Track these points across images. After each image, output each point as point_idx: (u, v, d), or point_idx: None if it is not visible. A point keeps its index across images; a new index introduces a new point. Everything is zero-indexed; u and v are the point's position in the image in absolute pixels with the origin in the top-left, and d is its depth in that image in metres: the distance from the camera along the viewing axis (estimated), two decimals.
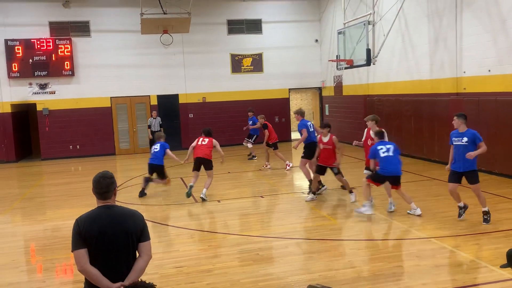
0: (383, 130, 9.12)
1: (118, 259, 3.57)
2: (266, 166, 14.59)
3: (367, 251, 6.92)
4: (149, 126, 18.01)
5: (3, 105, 18.59)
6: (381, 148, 8.49)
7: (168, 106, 20.16)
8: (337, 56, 16.16)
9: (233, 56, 20.67)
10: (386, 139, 8.89)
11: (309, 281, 5.88)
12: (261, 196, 10.99)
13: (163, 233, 8.28)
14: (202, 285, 5.95)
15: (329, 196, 10.77)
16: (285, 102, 21.39)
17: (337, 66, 16.64)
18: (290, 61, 21.14)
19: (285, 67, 21.08)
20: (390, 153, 8.46)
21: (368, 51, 13.89)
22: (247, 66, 20.86)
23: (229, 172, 14.17)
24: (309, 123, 11.50)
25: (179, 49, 19.88)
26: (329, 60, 18.98)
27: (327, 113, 21.59)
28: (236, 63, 20.74)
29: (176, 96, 20.28)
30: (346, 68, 16.20)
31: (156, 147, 11.67)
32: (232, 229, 8.42)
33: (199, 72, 20.29)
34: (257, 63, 20.92)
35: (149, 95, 20.01)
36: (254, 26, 20.80)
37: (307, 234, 8.04)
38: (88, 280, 3.56)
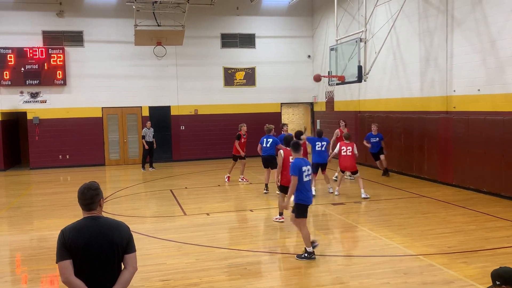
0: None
1: (103, 271, 3.54)
2: (242, 179, 14.65)
3: (355, 267, 6.91)
4: (143, 137, 17.82)
5: None
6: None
7: (159, 117, 20.13)
8: (329, 72, 16.26)
9: (226, 70, 20.75)
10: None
11: None
12: (251, 210, 10.95)
13: (150, 246, 8.21)
14: None
15: (318, 211, 10.76)
16: (277, 116, 21.46)
17: (328, 82, 16.74)
18: (283, 75, 21.27)
19: (277, 81, 21.20)
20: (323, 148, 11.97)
21: (360, 68, 14.01)
22: (239, 79, 20.94)
23: (219, 185, 14.13)
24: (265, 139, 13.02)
25: (172, 61, 19.93)
26: (321, 76, 19.11)
27: (318, 127, 21.68)
28: (229, 77, 20.82)
29: (168, 108, 20.27)
30: (337, 84, 16.30)
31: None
32: (221, 242, 8.37)
33: (192, 85, 20.33)
34: (249, 77, 21.02)
35: (141, 106, 19.99)
36: (247, 40, 20.93)
37: (296, 249, 8.00)
38: None
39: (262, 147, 12.95)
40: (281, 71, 21.23)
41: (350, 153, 12.05)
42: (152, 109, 20.08)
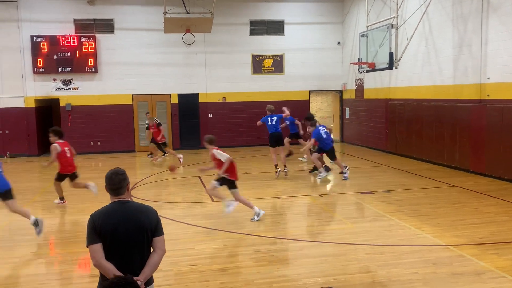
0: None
1: (133, 254, 3.61)
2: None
3: (383, 256, 6.85)
4: (148, 128, 17.52)
5: (27, 99, 18.96)
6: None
7: (188, 105, 20.29)
8: (359, 59, 16.04)
9: (254, 57, 20.69)
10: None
11: (323, 284, 5.85)
12: (278, 198, 10.97)
13: (179, 231, 8.33)
14: (216, 283, 5.97)
15: (346, 200, 10.70)
16: (306, 104, 21.32)
17: (358, 69, 16.52)
18: (312, 63, 21.08)
19: (306, 69, 21.02)
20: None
21: (391, 54, 13.77)
22: (268, 67, 20.86)
23: (246, 173, 14.18)
24: (269, 118, 13.45)
25: (201, 49, 19.99)
26: (350, 63, 18.87)
27: (347, 116, 21.46)
28: (257, 64, 20.76)
29: (196, 95, 20.40)
30: (368, 71, 16.08)
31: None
32: (248, 229, 8.42)
33: (220, 72, 20.38)
34: (278, 64, 20.91)
35: (170, 94, 20.17)
36: (276, 27, 20.79)
37: (323, 237, 8.00)
38: (103, 275, 3.61)
39: (267, 126, 13.47)
40: (310, 58, 21.03)
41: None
42: (180, 96, 20.24)
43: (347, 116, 21.50)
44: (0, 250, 7.74)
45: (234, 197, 9.11)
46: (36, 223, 8.30)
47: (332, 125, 23.03)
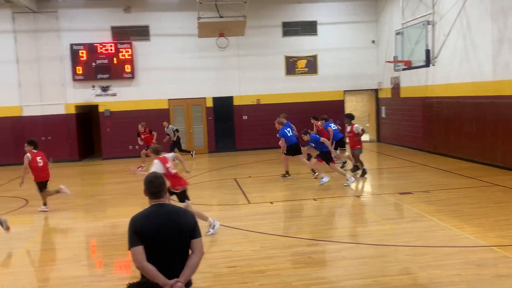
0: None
1: (172, 256, 3.66)
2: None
3: (424, 258, 6.71)
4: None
5: (68, 106, 19.56)
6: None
7: (222, 108, 20.46)
8: (394, 57, 15.80)
9: (287, 58, 20.67)
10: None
11: (364, 286, 5.79)
12: (314, 199, 10.91)
13: (217, 233, 8.40)
14: (255, 285, 5.99)
15: (384, 200, 10.53)
16: (340, 104, 21.12)
17: (394, 68, 16.27)
18: (346, 62, 20.87)
19: (340, 68, 20.83)
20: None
21: (427, 51, 13.50)
22: (301, 68, 20.79)
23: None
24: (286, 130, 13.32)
25: (234, 52, 20.12)
26: (386, 62, 18.59)
27: (383, 115, 21.13)
28: (291, 65, 20.73)
29: (230, 98, 20.54)
30: (404, 69, 15.82)
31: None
32: (285, 231, 8.42)
33: (254, 74, 20.45)
34: (311, 65, 20.81)
35: (204, 97, 20.39)
36: (309, 28, 20.70)
37: (361, 239, 7.91)
38: (145, 277, 3.66)
39: (287, 138, 13.21)
40: (344, 58, 20.83)
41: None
42: (215, 99, 20.43)
43: (383, 115, 21.17)
44: (44, 252, 8.01)
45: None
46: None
47: (368, 125, 22.73)
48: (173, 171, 8.45)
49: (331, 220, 9.30)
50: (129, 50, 19.44)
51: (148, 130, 16.93)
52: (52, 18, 19.07)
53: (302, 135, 12.62)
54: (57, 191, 11.01)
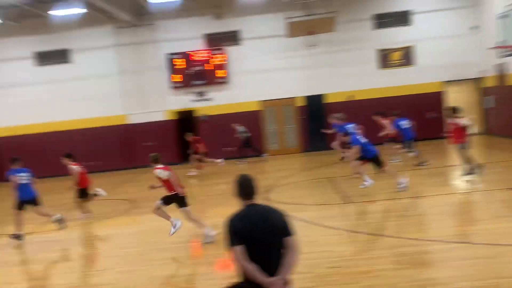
0: None
1: (270, 254, 3.74)
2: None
3: None
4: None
5: (168, 113, 20.59)
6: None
7: (314, 106, 20.31)
8: (498, 42, 14.64)
9: (380, 51, 20.01)
10: None
11: None
12: (418, 197, 10.40)
13: (315, 233, 8.32)
14: (359, 286, 5.84)
15: (494, 197, 9.78)
16: (439, 96, 20.02)
17: (499, 54, 15.08)
18: (444, 51, 19.73)
19: (437, 58, 19.74)
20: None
21: None
22: (395, 60, 20.02)
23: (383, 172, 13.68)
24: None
25: (324, 49, 19.89)
26: (489, 48, 17.28)
27: (491, 105, 19.67)
28: (384, 58, 20.04)
29: (321, 96, 20.34)
30: (510, 55, 14.61)
31: None
32: (387, 230, 8.13)
33: (344, 70, 20.06)
34: (406, 57, 19.96)
35: (296, 97, 20.39)
36: (402, 18, 19.88)
37: (472, 238, 7.40)
38: (243, 276, 3.74)
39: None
40: (441, 47, 19.70)
41: None
42: (306, 98, 20.36)
43: (490, 105, 19.71)
44: (154, 252, 8.46)
45: (186, 216, 8.80)
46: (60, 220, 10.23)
47: (472, 116, 21.30)
48: (171, 179, 8.73)
49: (436, 219, 8.80)
50: (222, 55, 20.01)
51: (194, 139, 17.12)
52: (150, 30, 20.21)
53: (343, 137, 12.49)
54: (95, 194, 11.87)
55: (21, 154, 20.31)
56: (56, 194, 16.49)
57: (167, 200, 8.71)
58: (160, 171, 8.71)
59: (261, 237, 3.73)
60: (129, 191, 15.24)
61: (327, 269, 6.51)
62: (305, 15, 15.91)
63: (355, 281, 6.00)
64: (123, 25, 19.96)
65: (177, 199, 8.62)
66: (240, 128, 19.02)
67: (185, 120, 22.11)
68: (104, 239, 10.00)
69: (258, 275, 3.64)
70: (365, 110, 20.01)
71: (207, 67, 20.09)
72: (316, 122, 20.30)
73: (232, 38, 20.24)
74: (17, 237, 9.79)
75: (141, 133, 20.44)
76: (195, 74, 20.16)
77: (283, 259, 3.76)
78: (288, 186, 13.38)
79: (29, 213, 11.87)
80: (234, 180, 4.11)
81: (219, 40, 20.24)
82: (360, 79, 20.04)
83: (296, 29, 16.43)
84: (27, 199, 10.05)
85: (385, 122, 15.01)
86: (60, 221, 10.30)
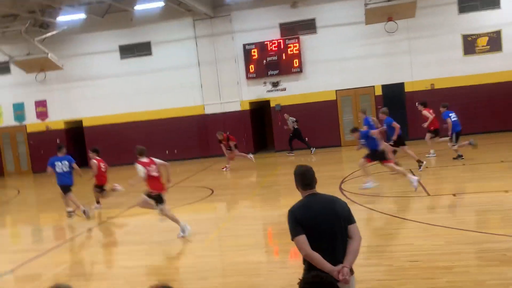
0: None
1: (334, 242, 3.73)
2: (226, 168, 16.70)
3: None
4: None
5: (243, 103, 20.85)
6: None
7: (393, 95, 19.60)
8: None
9: (465, 37, 18.87)
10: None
11: None
12: (506, 191, 9.73)
13: (395, 225, 8.07)
14: (441, 282, 5.58)
15: None
16: None
17: None
18: None
19: None
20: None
21: None
22: (482, 46, 18.78)
23: (464, 164, 13.00)
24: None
25: (404, 35, 19.08)
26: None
27: None
28: (469, 44, 18.87)
29: (401, 85, 19.58)
30: None
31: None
32: (471, 225, 7.68)
33: (426, 58, 19.14)
34: (494, 42, 18.65)
35: (373, 86, 19.81)
36: (489, 1, 18.57)
37: None
38: (309, 265, 3.73)
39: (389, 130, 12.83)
40: None
41: None
42: (385, 87, 19.70)
43: None
44: (229, 238, 8.63)
45: (162, 213, 8.74)
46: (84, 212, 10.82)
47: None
48: (155, 174, 8.64)
49: None
50: (297, 44, 19.86)
51: (226, 136, 16.86)
52: (226, 21, 20.50)
53: (351, 134, 11.74)
54: (113, 189, 12.26)
55: (105, 142, 21.78)
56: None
57: (147, 195, 8.92)
58: (139, 166, 8.61)
59: (324, 226, 3.72)
60: (205, 179, 15.64)
61: (406, 262, 6.28)
62: (385, 1, 15.34)
63: (436, 276, 5.73)
64: (200, 17, 20.41)
65: (153, 196, 8.72)
66: (291, 118, 18.94)
67: (260, 110, 22.30)
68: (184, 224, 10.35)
69: (324, 263, 3.63)
70: (447, 100, 19.06)
71: (281, 56, 20.04)
72: (394, 112, 19.58)
73: (307, 26, 20.01)
74: (69, 213, 11.17)
75: (217, 123, 20.84)
76: (269, 64, 20.19)
77: (347, 247, 3.74)
78: (361, 179, 13.03)
79: (115, 198, 12.58)
80: (293, 171, 4.09)
81: (294, 29, 20.09)
82: (443, 66, 19.03)
83: (374, 16, 15.89)
84: (63, 184, 11.05)
85: (427, 112, 14.67)
86: (85, 212, 10.93)
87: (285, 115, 19.26)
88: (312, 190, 3.94)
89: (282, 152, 20.12)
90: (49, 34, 19.29)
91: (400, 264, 6.24)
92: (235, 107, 20.87)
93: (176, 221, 8.74)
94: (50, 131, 22.37)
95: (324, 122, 20.23)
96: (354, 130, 11.42)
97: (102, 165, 12.13)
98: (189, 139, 21.19)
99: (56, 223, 11.91)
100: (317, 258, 3.64)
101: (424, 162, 12.72)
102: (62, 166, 10.97)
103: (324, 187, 10.48)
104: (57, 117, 22.39)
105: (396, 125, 12.60)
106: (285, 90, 20.46)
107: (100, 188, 12.06)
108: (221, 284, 6.51)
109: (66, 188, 11.03)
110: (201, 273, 6.89)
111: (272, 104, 20.66)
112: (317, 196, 3.92)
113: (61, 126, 22.39)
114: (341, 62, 19.73)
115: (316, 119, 20.20)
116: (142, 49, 21.36)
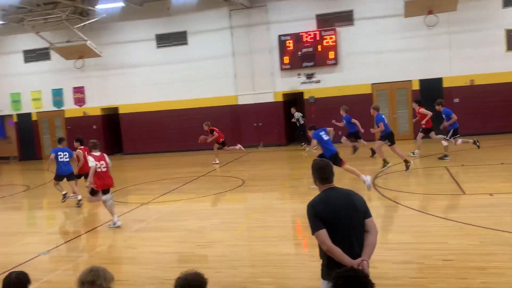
0: None
1: (352, 236, 3.75)
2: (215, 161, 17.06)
3: None
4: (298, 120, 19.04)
5: (276, 94, 20.78)
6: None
7: (430, 90, 19.11)
8: None
9: (508, 32, 18.21)
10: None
11: None
12: None
13: (428, 223, 7.91)
14: (476, 282, 5.45)
15: None
16: None
17: None
18: None
19: None
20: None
21: None
22: None
23: (502, 163, 12.60)
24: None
25: (444, 29, 18.56)
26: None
27: None
28: None
29: (439, 80, 19.10)
30: None
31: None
32: (507, 226, 7.45)
33: (467, 53, 18.57)
34: None
35: (410, 80, 19.40)
36: None
37: None
38: (328, 259, 3.75)
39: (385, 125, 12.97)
40: None
41: None
42: (422, 82, 19.26)
43: None
44: (259, 229, 8.66)
45: (104, 204, 9.46)
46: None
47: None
48: (103, 169, 9.30)
49: None
50: (333, 36, 19.61)
51: (210, 130, 17.20)
52: (262, 12, 20.41)
53: (307, 131, 11.65)
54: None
55: (139, 130, 22.10)
56: (171, 168, 17.59)
57: (92, 191, 9.61)
58: (90, 158, 9.37)
59: (343, 220, 3.75)
60: (236, 169, 15.72)
61: (439, 261, 6.15)
62: None
63: (470, 276, 5.60)
64: (237, 8, 20.39)
65: (94, 192, 9.51)
66: (297, 114, 19.15)
67: (293, 102, 22.19)
68: (214, 213, 10.45)
69: (344, 257, 3.66)
70: (488, 96, 18.52)
71: (317, 48, 19.83)
72: (431, 107, 19.17)
73: (344, 18, 19.71)
74: (64, 196, 12.04)
75: (249, 114, 20.88)
76: (305, 55, 20.03)
77: (365, 241, 3.78)
78: (400, 173, 12.84)
79: (149, 185, 12.80)
80: (311, 165, 4.11)
81: (331, 21, 19.83)
82: (484, 62, 18.43)
83: (414, 8, 15.53)
84: (63, 174, 11.95)
85: (424, 110, 14.56)
86: (78, 202, 11.69)
87: (292, 109, 19.44)
88: (330, 184, 3.96)
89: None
90: (88, 21, 19.71)
91: (433, 262, 6.12)
92: (268, 98, 20.82)
93: (112, 213, 9.46)
94: (87, 117, 22.91)
95: (358, 115, 19.88)
96: (311, 128, 11.62)
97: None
98: (221, 129, 21.26)
99: (91, 206, 12.22)
100: (338, 252, 3.67)
101: (411, 162, 12.69)
102: (63, 156, 11.90)
103: (356, 182, 10.43)
104: (94, 104, 22.89)
105: (381, 125, 12.85)
106: (319, 82, 20.27)
107: (80, 176, 12.27)
108: (250, 274, 6.54)
109: (70, 175, 12.05)
110: (230, 262, 6.95)
111: (306, 96, 20.52)
112: (336, 190, 3.94)
113: (98, 112, 22.89)
114: (378, 55, 19.37)
115: (350, 113, 19.90)
116: (178, 38, 21.52)
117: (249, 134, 19.68)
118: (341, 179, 10.37)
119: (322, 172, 4.00)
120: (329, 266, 3.70)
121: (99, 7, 18.72)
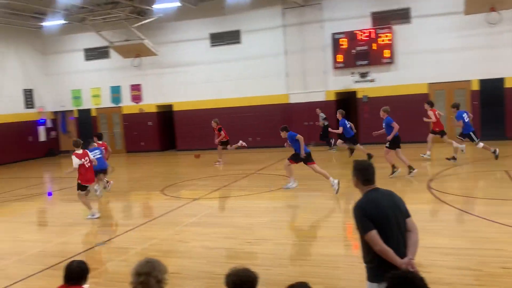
0: None
1: (398, 235, 3.79)
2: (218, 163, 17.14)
3: None
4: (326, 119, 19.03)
5: (328, 93, 20.56)
6: None
7: (491, 91, 18.32)
8: None
9: None
10: None
11: None
12: None
13: (487, 229, 7.57)
14: None
15: None
16: None
17: None
18: None
19: None
20: None
21: None
22: None
23: None
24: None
25: (507, 27, 17.67)
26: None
27: None
28: None
29: (501, 80, 18.24)
30: None
31: None
32: None
33: None
34: None
35: (469, 80, 18.64)
36: None
37: None
38: (379, 260, 3.71)
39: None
40: None
41: None
42: (482, 82, 18.46)
43: None
44: (307, 228, 8.60)
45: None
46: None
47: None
48: (88, 165, 9.83)
49: None
50: (389, 34, 19.17)
51: (218, 128, 17.17)
52: (316, 10, 20.24)
53: (280, 131, 11.53)
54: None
55: (193, 127, 22.51)
56: (223, 165, 17.79)
57: (81, 187, 10.17)
58: (74, 157, 9.85)
59: (392, 219, 3.78)
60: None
61: (498, 269, 5.87)
62: None
63: None
64: (290, 6, 20.34)
65: (81, 187, 10.04)
66: (322, 114, 18.93)
67: (346, 101, 21.87)
68: (264, 210, 10.49)
69: (395, 257, 3.66)
70: None
71: (372, 46, 19.45)
72: (492, 109, 18.39)
73: (400, 16, 19.20)
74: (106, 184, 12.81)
75: (301, 113, 20.78)
76: (359, 54, 19.70)
77: (408, 240, 3.81)
78: (456, 177, 12.39)
79: (200, 181, 13.02)
80: (353, 166, 4.12)
81: (387, 19, 19.38)
82: None
83: (475, 5, 14.93)
84: (99, 169, 12.03)
85: (431, 113, 14.35)
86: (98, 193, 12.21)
87: (317, 110, 19.40)
88: (373, 185, 3.97)
89: (367, 145, 19.62)
90: (146, 21, 20.29)
91: (491, 269, 5.86)
92: (320, 97, 20.64)
93: (89, 207, 10.16)
94: (143, 114, 23.61)
95: (414, 116, 19.35)
96: (283, 128, 11.70)
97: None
98: (272, 127, 21.30)
99: (145, 200, 12.60)
100: (390, 252, 3.67)
101: (415, 170, 12.08)
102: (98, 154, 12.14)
103: (408, 184, 10.13)
104: (150, 101, 23.55)
105: (395, 125, 12.53)
106: (373, 81, 19.88)
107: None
108: (299, 273, 6.51)
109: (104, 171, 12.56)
110: (279, 261, 6.95)
111: (359, 96, 20.18)
112: (380, 191, 3.97)
113: (153, 109, 23.54)
114: (435, 54, 18.75)
115: (405, 113, 19.38)
116: (231, 37, 21.74)
117: (299, 133, 19.33)
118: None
119: (365, 173, 4.01)
120: (381, 268, 3.64)
121: (156, 6, 19.23)
